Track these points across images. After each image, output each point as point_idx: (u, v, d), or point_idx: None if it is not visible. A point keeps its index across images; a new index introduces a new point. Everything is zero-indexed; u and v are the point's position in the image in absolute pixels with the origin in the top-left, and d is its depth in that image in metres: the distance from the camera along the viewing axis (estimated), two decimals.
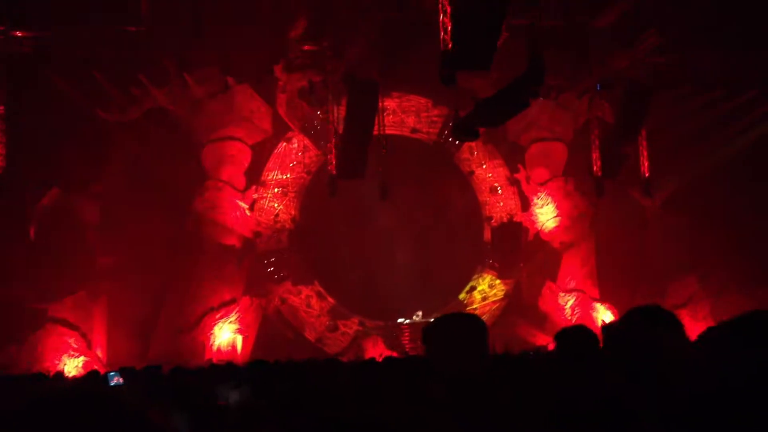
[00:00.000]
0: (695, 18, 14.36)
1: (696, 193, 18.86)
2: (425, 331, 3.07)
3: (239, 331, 18.93)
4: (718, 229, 18.85)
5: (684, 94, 17.91)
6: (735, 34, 14.65)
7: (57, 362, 16.30)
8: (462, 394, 2.70)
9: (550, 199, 21.00)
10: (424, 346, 3.09)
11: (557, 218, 20.92)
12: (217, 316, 18.45)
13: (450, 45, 12.66)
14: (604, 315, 20.00)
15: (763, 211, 17.81)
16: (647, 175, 18.14)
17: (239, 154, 19.11)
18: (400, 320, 20.51)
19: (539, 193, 21.14)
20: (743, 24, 14.36)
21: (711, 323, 2.57)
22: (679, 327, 2.67)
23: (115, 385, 4.65)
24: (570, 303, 20.73)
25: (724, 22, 14.27)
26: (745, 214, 18.28)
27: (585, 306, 20.59)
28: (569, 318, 20.52)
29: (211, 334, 18.44)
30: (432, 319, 3.19)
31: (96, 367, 16.59)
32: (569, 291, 20.82)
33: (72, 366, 16.49)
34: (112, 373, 4.75)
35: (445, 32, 12.88)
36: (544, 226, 21.12)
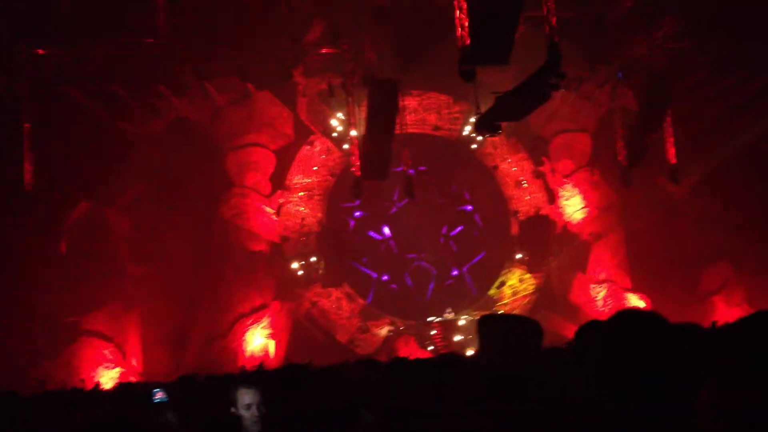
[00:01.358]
0: (711, 3, 14.14)
1: (724, 178, 18.59)
2: (481, 326, 3.07)
3: (271, 336, 19.02)
4: (749, 213, 18.57)
5: (704, 79, 17.64)
6: (750, 19, 14.38)
7: (93, 374, 16.48)
8: (505, 391, 2.69)
9: (576, 191, 20.84)
10: (478, 338, 3.08)
11: (585, 209, 20.74)
12: (249, 322, 18.55)
13: (467, 41, 12.59)
14: (637, 304, 19.78)
15: None
16: (674, 161, 17.87)
17: (263, 160, 19.21)
18: (430, 318, 20.47)
19: (565, 185, 20.98)
20: (758, 8, 14.10)
21: (747, 308, 2.53)
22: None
23: (159, 402, 4.66)
24: (602, 294, 20.55)
25: (740, 6, 14.03)
26: None
27: (617, 297, 20.38)
28: (601, 309, 20.33)
29: (243, 340, 18.55)
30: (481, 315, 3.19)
31: (132, 378, 16.79)
32: (600, 282, 20.65)
33: (108, 377, 16.66)
34: (155, 390, 4.74)
35: (462, 28, 12.82)
36: (571, 218, 20.96)
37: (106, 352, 17.02)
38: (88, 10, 14.95)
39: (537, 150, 21.08)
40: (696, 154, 18.40)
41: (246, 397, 3.80)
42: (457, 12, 12.98)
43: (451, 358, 3.17)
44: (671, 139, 17.62)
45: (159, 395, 4.79)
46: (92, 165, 16.80)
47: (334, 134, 20.18)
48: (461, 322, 20.47)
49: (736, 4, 14.10)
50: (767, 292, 17.28)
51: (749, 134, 18.21)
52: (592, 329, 4.15)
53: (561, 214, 21.10)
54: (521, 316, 3.40)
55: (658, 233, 19.81)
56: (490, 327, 3.13)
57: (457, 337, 20.04)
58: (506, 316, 3.22)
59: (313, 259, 20.31)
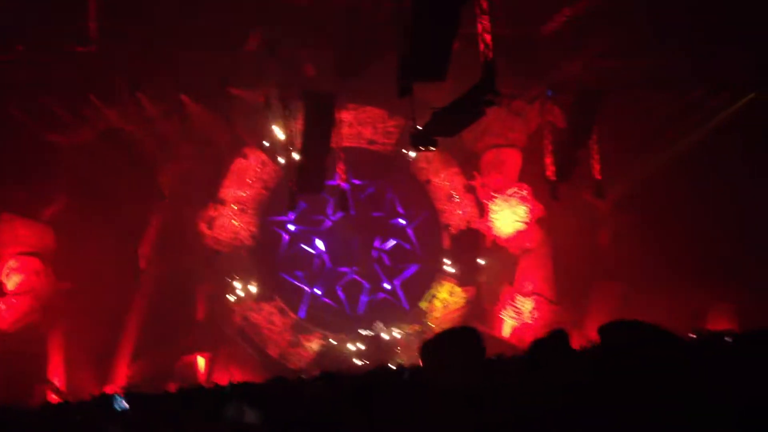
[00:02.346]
0: (641, 22, 14.76)
1: (645, 193, 19.35)
2: (424, 345, 3.11)
3: (204, 354, 18.75)
4: (667, 228, 19.35)
5: (630, 98, 18.39)
6: (681, 36, 15.10)
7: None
8: (458, 407, 2.74)
9: (506, 205, 21.30)
10: (421, 360, 3.12)
11: (514, 223, 21.22)
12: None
13: (405, 57, 12.77)
14: (559, 317, 20.34)
15: (710, 206, 18.42)
16: (599, 177, 18.53)
17: (197, 172, 18.94)
18: (361, 331, 20.52)
19: (495, 200, 21.43)
20: (689, 26, 14.82)
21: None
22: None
23: (121, 410, 4.58)
24: (528, 306, 21.04)
25: (670, 24, 14.70)
26: (693, 212, 18.87)
27: (543, 309, 20.92)
28: (528, 322, 20.83)
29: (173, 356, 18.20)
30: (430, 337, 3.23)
31: (53, 396, 16.21)
32: (527, 295, 21.14)
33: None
34: (118, 397, 4.66)
35: (401, 44, 13.00)
36: (501, 232, 21.41)
37: None
38: (15, 15, 14.48)
39: (468, 165, 21.48)
40: (620, 170, 19.09)
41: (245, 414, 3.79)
42: (397, 28, 13.18)
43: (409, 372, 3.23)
44: (597, 156, 18.26)
45: (120, 403, 4.71)
46: (16, 175, 16.27)
47: (269, 147, 20.09)
48: (393, 335, 20.62)
49: (663, 25, 14.75)
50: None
51: (671, 151, 19.09)
52: (546, 342, 4.32)
53: (491, 228, 21.52)
54: (460, 329, 3.42)
55: (582, 247, 20.43)
56: (433, 348, 3.17)
57: (392, 351, 20.17)
58: (446, 333, 3.27)
59: (245, 274, 20.07)
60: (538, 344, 3.84)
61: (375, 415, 3.06)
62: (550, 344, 3.74)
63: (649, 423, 2.17)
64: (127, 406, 4.73)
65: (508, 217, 21.26)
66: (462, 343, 3.10)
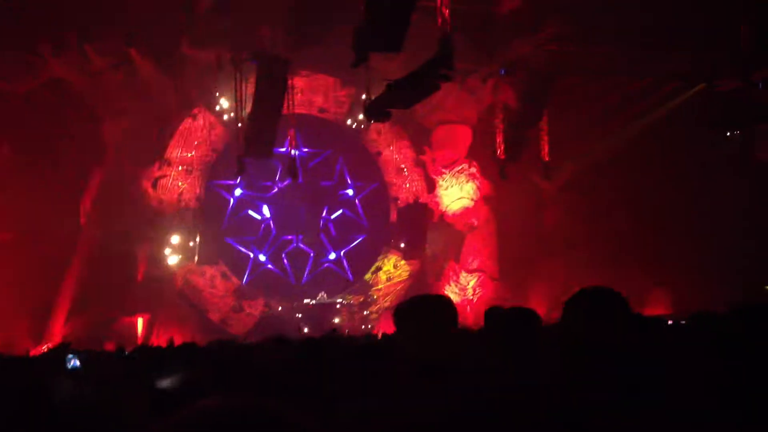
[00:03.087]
0: (596, 6, 14.90)
1: (593, 176, 19.71)
2: (397, 312, 3.11)
3: (140, 313, 18.52)
4: (612, 212, 19.77)
5: (582, 81, 18.63)
6: (634, 25, 15.30)
7: None
8: (430, 376, 2.75)
9: (454, 181, 21.45)
10: (395, 327, 3.12)
11: (461, 200, 21.40)
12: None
13: (362, 26, 12.66)
14: (504, 295, 20.66)
15: (655, 192, 18.87)
16: (547, 159, 18.76)
17: (142, 130, 18.51)
18: (306, 301, 20.53)
19: (444, 175, 21.55)
20: (643, 17, 15.03)
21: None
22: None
23: (73, 368, 4.50)
24: (472, 283, 21.32)
25: (624, 11, 14.88)
26: (638, 197, 19.31)
27: (486, 286, 21.23)
28: (471, 298, 21.11)
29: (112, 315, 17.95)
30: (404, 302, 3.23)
31: None
32: (471, 271, 21.40)
33: None
34: (69, 356, 4.58)
35: (358, 13, 12.87)
36: (448, 208, 21.57)
37: None
38: None
39: (419, 139, 21.52)
40: (568, 153, 19.37)
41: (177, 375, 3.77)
42: None
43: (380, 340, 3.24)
44: (546, 138, 18.49)
45: (72, 362, 4.63)
46: None
47: (218, 109, 19.79)
48: (337, 305, 20.70)
49: (618, 11, 14.91)
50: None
51: (620, 137, 19.45)
52: (496, 313, 4.38)
53: (438, 204, 21.66)
54: (439, 297, 3.43)
55: (527, 226, 20.74)
56: (406, 314, 3.19)
57: (334, 320, 20.26)
58: (424, 298, 3.27)
59: (189, 236, 19.82)
60: (507, 320, 3.85)
61: (329, 380, 3.05)
62: (521, 323, 3.75)
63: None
64: (78, 364, 4.64)
65: (456, 193, 21.44)
66: (438, 311, 3.09)
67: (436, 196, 21.68)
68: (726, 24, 15.34)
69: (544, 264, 20.16)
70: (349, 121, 21.16)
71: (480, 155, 20.74)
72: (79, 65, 16.79)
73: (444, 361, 2.85)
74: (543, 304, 17.51)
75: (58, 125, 16.85)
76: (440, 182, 21.59)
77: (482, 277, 21.31)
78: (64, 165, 17.17)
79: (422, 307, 3.11)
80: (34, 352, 15.21)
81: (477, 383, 2.76)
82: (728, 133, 19.03)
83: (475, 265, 21.36)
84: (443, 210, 21.63)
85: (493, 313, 4.32)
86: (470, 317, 19.09)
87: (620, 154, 19.32)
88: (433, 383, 2.66)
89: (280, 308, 20.52)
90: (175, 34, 16.52)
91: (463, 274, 21.41)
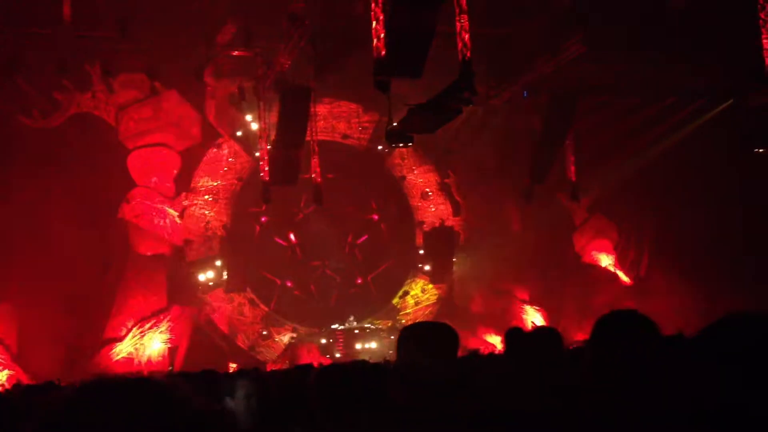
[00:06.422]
0: (618, 26, 14.75)
1: (620, 197, 19.47)
2: (401, 335, 3.14)
3: (170, 341, 18.57)
4: (643, 233, 19.51)
5: (607, 100, 18.46)
6: (656, 44, 15.13)
7: None
8: (424, 399, 2.74)
9: (479, 204, 21.32)
10: (397, 350, 3.15)
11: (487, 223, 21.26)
12: (147, 326, 18.04)
13: (383, 52, 12.68)
14: (533, 317, 20.43)
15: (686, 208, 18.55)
16: (574, 179, 18.57)
17: (167, 161, 18.73)
18: (334, 326, 20.46)
19: (470, 198, 21.44)
20: (664, 34, 14.85)
21: None
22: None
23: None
24: (501, 306, 21.08)
25: (646, 31, 14.72)
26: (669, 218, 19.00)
27: (515, 308, 20.98)
28: (500, 320, 20.87)
29: (141, 344, 18.02)
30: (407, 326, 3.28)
31: (20, 380, 15.99)
32: (500, 294, 21.17)
33: None
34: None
35: (378, 39, 12.89)
36: (474, 231, 21.43)
37: None
38: None
39: (443, 162, 21.46)
40: (595, 172, 19.16)
41: (241, 390, 3.90)
42: (374, 23, 13.06)
43: (379, 365, 3.23)
44: (572, 158, 18.31)
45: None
46: None
47: (243, 138, 19.94)
48: (365, 330, 20.60)
49: (641, 30, 14.77)
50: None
51: (646, 154, 19.18)
52: (517, 333, 4.31)
53: (465, 226, 21.53)
54: (439, 324, 3.48)
55: (556, 248, 20.52)
56: (408, 336, 3.21)
57: (359, 345, 20.13)
58: (424, 325, 3.31)
59: (217, 263, 19.94)
60: (524, 339, 3.81)
61: (348, 406, 3.03)
62: (538, 341, 3.73)
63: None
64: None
65: (480, 216, 21.31)
66: (439, 335, 3.13)
67: (461, 219, 21.56)
68: (753, 37, 15.10)
69: (572, 285, 19.90)
70: (372, 147, 21.16)
71: (505, 177, 20.59)
72: (104, 100, 17.03)
73: (448, 383, 2.85)
74: (572, 325, 17.27)
75: (84, 159, 17.07)
76: (465, 204, 21.49)
77: (511, 300, 21.08)
78: (92, 198, 17.38)
79: (423, 333, 3.14)
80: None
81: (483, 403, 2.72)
82: (758, 150, 18.67)
83: (502, 287, 21.14)
84: (470, 232, 21.51)
85: (513, 334, 4.27)
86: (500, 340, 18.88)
87: (648, 171, 19.04)
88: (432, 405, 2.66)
89: (308, 334, 20.47)
90: (197, 66, 16.69)
91: (490, 296, 21.20)
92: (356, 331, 20.47)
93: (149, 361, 17.99)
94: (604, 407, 2.33)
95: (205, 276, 19.77)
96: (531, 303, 20.89)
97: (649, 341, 2.63)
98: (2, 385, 15.59)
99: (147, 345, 18.09)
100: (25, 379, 15.54)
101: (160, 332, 18.27)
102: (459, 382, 2.98)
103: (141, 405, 1.16)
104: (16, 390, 8.83)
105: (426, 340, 3.08)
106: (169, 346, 18.60)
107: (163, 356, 18.38)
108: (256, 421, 3.86)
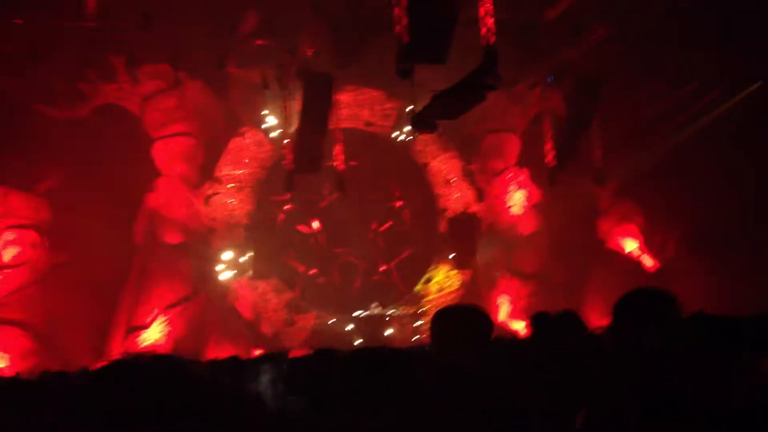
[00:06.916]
0: (644, 9, 14.59)
1: (647, 181, 19.27)
2: (435, 318, 3.12)
3: (194, 328, 18.72)
4: (670, 218, 19.30)
5: (634, 84, 18.24)
6: (683, 28, 14.94)
7: (11, 364, 15.86)
8: (453, 383, 2.73)
9: (504, 190, 21.24)
10: (431, 334, 3.14)
11: (512, 208, 21.18)
12: (172, 314, 18.19)
13: (405, 38, 12.60)
14: (557, 301, 20.33)
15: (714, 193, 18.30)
16: (599, 164, 18.43)
17: (192, 150, 18.84)
18: (357, 313, 20.53)
19: (493, 184, 21.36)
20: (691, 19, 14.67)
21: None
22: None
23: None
24: (524, 292, 21.01)
25: (673, 15, 14.54)
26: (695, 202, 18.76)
27: (539, 295, 20.88)
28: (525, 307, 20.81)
29: (167, 332, 18.18)
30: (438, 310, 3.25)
31: (50, 367, 16.20)
32: (523, 280, 21.10)
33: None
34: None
35: (400, 25, 12.81)
36: (498, 217, 21.36)
37: (24, 341, 16.41)
38: None
39: (466, 149, 21.38)
40: (621, 157, 18.98)
41: (266, 375, 3.93)
42: (396, 9, 12.99)
43: (401, 350, 3.20)
44: (598, 142, 18.15)
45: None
46: (11, 149, 16.18)
47: (266, 127, 19.98)
48: (388, 317, 20.64)
49: (667, 14, 14.59)
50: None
51: (672, 141, 18.96)
52: (542, 318, 4.28)
53: (488, 213, 21.46)
54: (473, 308, 3.41)
55: (581, 233, 20.39)
56: (443, 320, 3.19)
57: (383, 332, 20.20)
58: (458, 308, 3.25)
59: (241, 251, 20.04)
60: (547, 324, 3.79)
61: (373, 392, 3.02)
62: (562, 326, 3.70)
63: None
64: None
65: (506, 202, 21.22)
66: (472, 321, 3.11)
67: (485, 205, 21.48)
68: None
69: (600, 272, 19.78)
70: (395, 134, 21.11)
71: (529, 163, 20.49)
72: (129, 90, 17.14)
73: (477, 371, 2.83)
74: (597, 311, 17.17)
75: (109, 149, 17.19)
76: (489, 191, 21.40)
77: (535, 286, 20.99)
78: (118, 187, 17.52)
79: (457, 318, 3.12)
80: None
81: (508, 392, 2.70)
82: None
83: (526, 273, 21.06)
84: (493, 219, 21.43)
85: (538, 319, 4.25)
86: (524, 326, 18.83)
87: (676, 155, 18.82)
88: (465, 392, 2.64)
89: (331, 321, 20.56)
90: (220, 55, 16.73)
91: (515, 282, 21.14)
92: (380, 318, 20.52)
93: (174, 347, 18.16)
94: (628, 400, 2.30)
95: (230, 263, 19.86)
96: (554, 290, 20.77)
97: (670, 320, 2.58)
98: (29, 371, 15.84)
99: (172, 332, 18.25)
100: (56, 368, 15.75)
101: (186, 320, 18.42)
102: (488, 370, 2.97)
103: (165, 386, 1.15)
104: (44, 377, 8.94)
105: (461, 325, 3.05)
106: (194, 333, 18.77)
107: (188, 343, 18.55)
108: (281, 406, 3.87)
